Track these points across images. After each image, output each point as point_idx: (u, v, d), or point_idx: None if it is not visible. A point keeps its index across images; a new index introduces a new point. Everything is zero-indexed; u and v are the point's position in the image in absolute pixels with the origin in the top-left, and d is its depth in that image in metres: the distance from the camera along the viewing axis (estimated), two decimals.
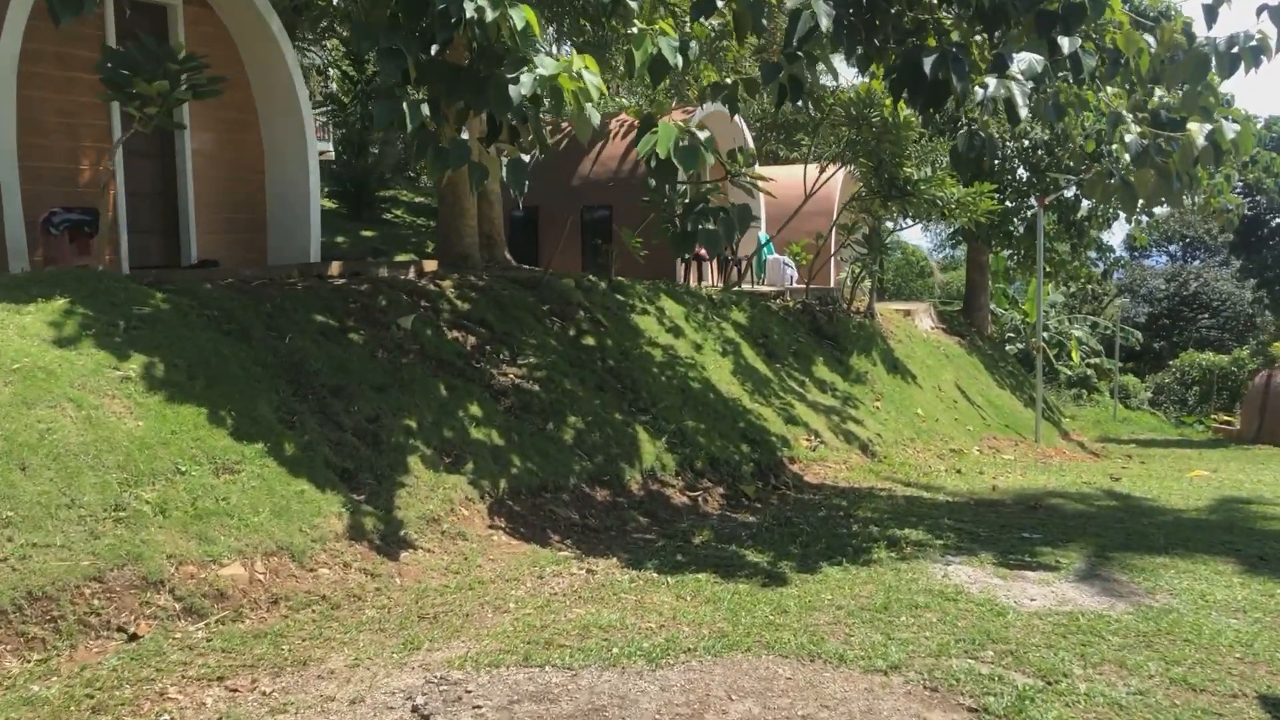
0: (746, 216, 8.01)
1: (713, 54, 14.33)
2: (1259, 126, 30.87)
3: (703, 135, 7.50)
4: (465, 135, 7.22)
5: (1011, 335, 34.88)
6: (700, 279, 17.66)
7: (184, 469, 6.35)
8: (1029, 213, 24.03)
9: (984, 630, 5.95)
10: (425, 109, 6.87)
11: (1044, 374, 33.54)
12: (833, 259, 21.22)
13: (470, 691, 4.84)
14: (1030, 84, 7.46)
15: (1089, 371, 36.83)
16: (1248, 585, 7.03)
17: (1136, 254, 50.78)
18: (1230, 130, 8.35)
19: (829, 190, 19.74)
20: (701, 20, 13.99)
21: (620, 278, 13.54)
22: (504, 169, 7.02)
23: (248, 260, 11.07)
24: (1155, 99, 8.95)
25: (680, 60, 7.57)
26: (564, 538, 7.84)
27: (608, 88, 21.21)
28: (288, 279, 9.12)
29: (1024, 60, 7.45)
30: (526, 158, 7.19)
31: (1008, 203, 23.94)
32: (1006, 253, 28.34)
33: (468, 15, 6.52)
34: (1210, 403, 36.82)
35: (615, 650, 5.42)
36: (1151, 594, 6.88)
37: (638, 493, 9.06)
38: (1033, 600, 6.64)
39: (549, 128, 19.05)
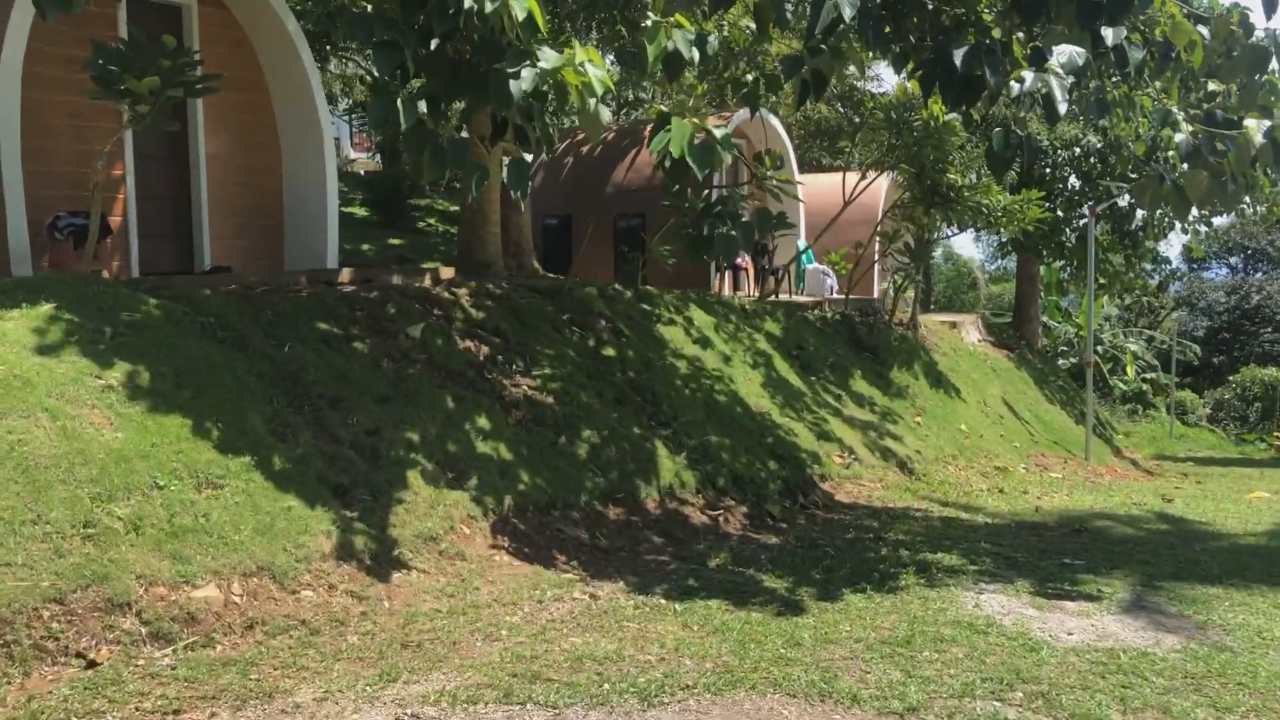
0: (767, 221, 7.56)
1: (751, 57, 13.91)
2: None
3: (719, 133, 7.07)
4: (464, 134, 6.84)
5: (1065, 349, 34.00)
6: (737, 289, 17.21)
7: (163, 483, 6.02)
8: (1081, 223, 23.27)
9: (1014, 668, 5.45)
10: (423, 105, 6.52)
11: (1098, 389, 32.71)
12: (876, 269, 20.67)
13: None
14: (1070, 78, 6.95)
15: (1145, 387, 35.80)
16: None
17: (1195, 266, 49.48)
18: None
19: (873, 198, 19.20)
20: (739, 24, 13.65)
21: (649, 287, 13.14)
22: (505, 170, 6.64)
23: (264, 267, 10.81)
24: (1209, 96, 8.37)
25: (696, 54, 7.16)
26: (571, 559, 7.43)
27: (641, 92, 20.85)
28: (293, 286, 8.81)
29: (1064, 53, 6.94)
30: (531, 158, 6.79)
31: (1059, 212, 23.23)
32: (1059, 264, 27.59)
33: (466, 5, 6.16)
34: (1273, 420, 35.61)
35: (606, 686, 5.00)
36: (1203, 629, 6.34)
37: (654, 511, 8.63)
38: (1070, 634, 6.13)
39: (579, 135, 18.74)
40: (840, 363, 14.60)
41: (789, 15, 7.41)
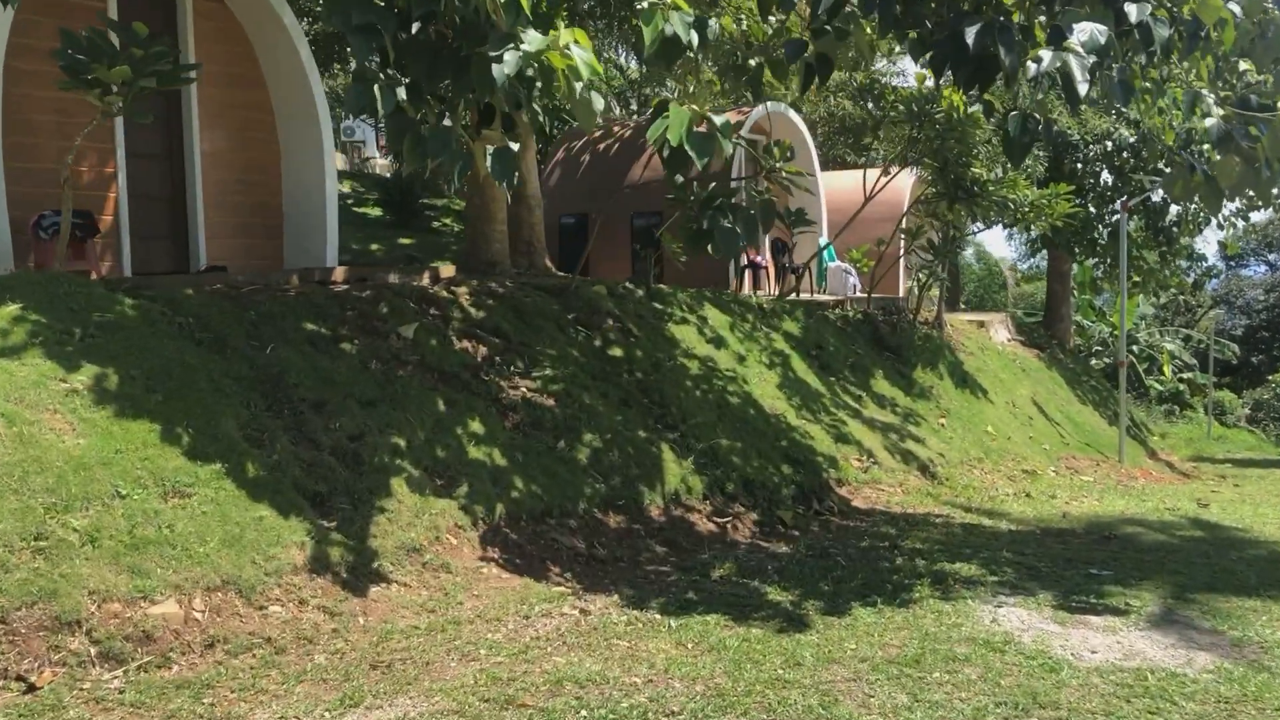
0: (770, 214, 7.15)
1: (767, 53, 13.44)
2: None
3: (719, 120, 6.68)
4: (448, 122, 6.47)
5: (1099, 349, 33.31)
6: (757, 287, 16.77)
7: (125, 492, 5.69)
8: (1114, 219, 22.64)
9: (1031, 691, 5.03)
10: (402, 92, 6.17)
11: (1134, 390, 31.99)
12: (901, 267, 20.16)
13: None
14: (1092, 58, 6.50)
15: (1182, 387, 35.01)
16: None
17: (1233, 264, 48.51)
18: None
19: (898, 194, 18.71)
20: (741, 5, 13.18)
21: (661, 285, 12.75)
22: (489, 159, 6.28)
23: (262, 266, 10.50)
24: (1243, 80, 7.88)
25: (695, 39, 6.77)
26: (565, 570, 7.05)
27: (660, 88, 20.45)
28: (283, 285, 8.49)
29: (1084, 31, 6.49)
30: (517, 147, 6.43)
31: (1091, 208, 22.61)
32: (1092, 262, 26.94)
33: None
34: None
35: (584, 713, 4.63)
36: (1238, 647, 5.88)
37: (658, 519, 8.24)
38: (1094, 653, 5.69)
39: (601, 130, 18.37)
40: (861, 363, 14.14)
41: None
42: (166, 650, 5.10)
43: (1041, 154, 19.30)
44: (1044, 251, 28.13)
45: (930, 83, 13.57)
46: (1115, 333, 31.83)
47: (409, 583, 6.31)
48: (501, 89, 6.02)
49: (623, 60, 23.03)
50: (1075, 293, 33.66)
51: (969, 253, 48.65)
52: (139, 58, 6.83)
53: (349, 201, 19.56)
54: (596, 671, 5.15)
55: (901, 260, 19.52)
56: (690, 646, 5.61)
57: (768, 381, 11.65)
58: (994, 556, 7.99)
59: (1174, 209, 23.22)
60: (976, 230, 18.47)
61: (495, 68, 5.98)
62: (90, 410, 6.07)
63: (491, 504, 7.24)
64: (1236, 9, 7.34)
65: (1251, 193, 7.57)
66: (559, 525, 7.53)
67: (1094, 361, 31.15)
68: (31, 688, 4.64)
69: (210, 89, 10.32)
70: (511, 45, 5.99)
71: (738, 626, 5.98)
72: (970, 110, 13.76)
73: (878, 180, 15.41)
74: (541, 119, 6.68)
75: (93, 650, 4.93)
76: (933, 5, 7.66)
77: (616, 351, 10.08)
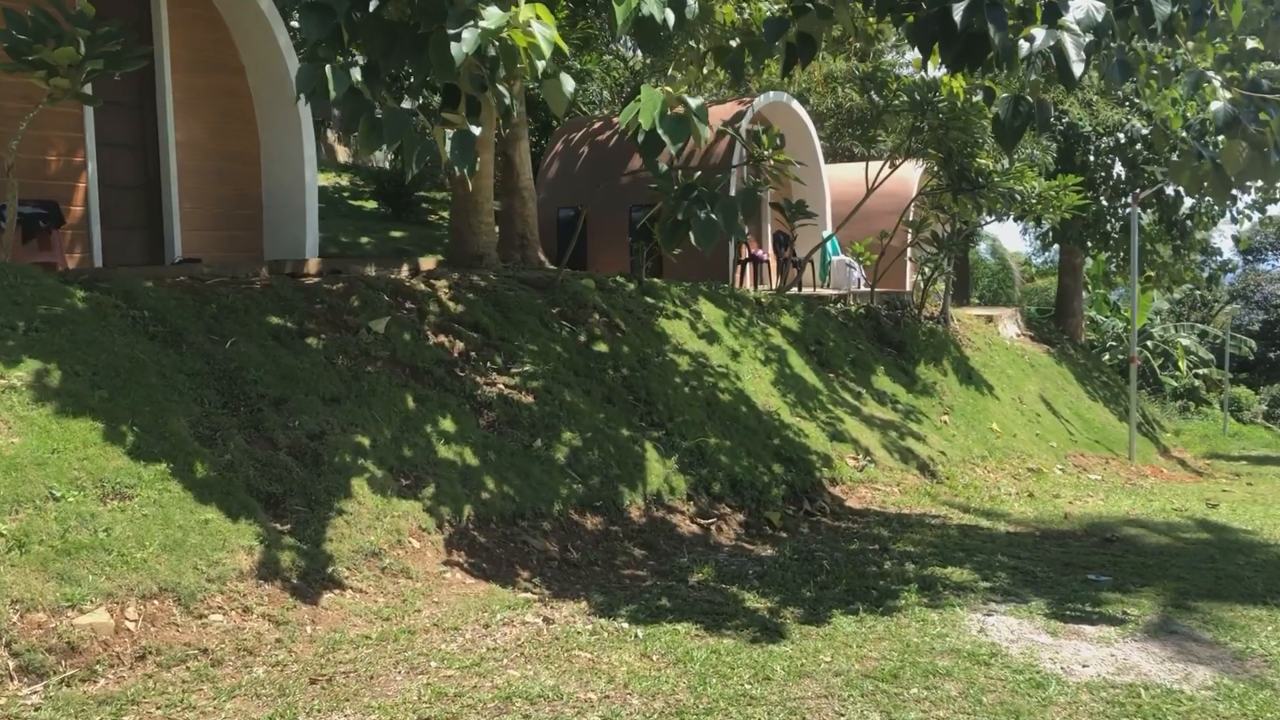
0: (752, 203, 6.80)
1: (750, 35, 12.98)
2: None
3: (695, 103, 6.34)
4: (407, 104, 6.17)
5: (1113, 344, 32.82)
6: (758, 282, 16.41)
7: (60, 494, 5.40)
8: (1126, 212, 22.20)
9: (1014, 710, 4.70)
10: (357, 73, 5.85)
11: (1149, 386, 31.49)
12: (908, 261, 19.77)
13: None
14: (1089, 36, 6.15)
15: (1197, 383, 34.48)
16: None
17: (1251, 258, 47.86)
18: None
19: (905, 187, 18.31)
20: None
21: (655, 279, 12.41)
22: (447, 143, 5.95)
23: (241, 259, 10.20)
24: (1256, 58, 7.49)
25: (671, 18, 6.43)
26: (534, 575, 6.73)
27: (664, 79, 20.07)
28: (250, 277, 8.19)
29: (1080, 7, 6.13)
30: (479, 131, 6.11)
31: (1103, 201, 22.18)
32: (1105, 256, 26.49)
33: None
34: None
35: None
36: (1241, 660, 5.53)
37: (638, 520, 7.92)
38: (1085, 666, 5.35)
39: (595, 124, 18.04)
40: (862, 358, 13.78)
41: None
42: (93, 663, 4.80)
43: (1049, 144, 18.85)
44: (1056, 246, 27.65)
45: (932, 70, 13.19)
46: (1129, 328, 31.34)
47: (365, 589, 6.01)
48: (460, 69, 5.70)
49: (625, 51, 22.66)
50: (1089, 287, 33.19)
51: (982, 247, 48.16)
52: (87, 39, 6.53)
53: (345, 194, 19.29)
54: (551, 686, 4.84)
55: (908, 254, 19.14)
56: (656, 659, 5.29)
57: (762, 378, 11.31)
58: (988, 560, 7.65)
59: (1188, 202, 22.78)
60: (985, 223, 18.05)
61: (454, 46, 5.66)
62: (28, 408, 5.78)
63: (459, 505, 6.93)
64: None
65: (1260, 181, 7.19)
66: (531, 528, 7.21)
67: (1106, 357, 30.69)
68: None
69: (186, 75, 10.03)
70: (471, 23, 5.68)
71: (709, 636, 5.66)
72: (975, 100, 13.37)
73: (880, 171, 15.03)
74: (509, 102, 6.34)
75: (11, 663, 4.63)
76: None
77: (602, 347, 9.75)
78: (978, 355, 16.96)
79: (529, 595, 6.33)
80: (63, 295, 6.74)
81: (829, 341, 13.49)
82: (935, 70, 15.96)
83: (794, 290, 15.38)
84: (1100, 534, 8.82)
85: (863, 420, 11.85)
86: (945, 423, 13.42)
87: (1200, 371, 35.00)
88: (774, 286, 15.90)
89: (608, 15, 15.66)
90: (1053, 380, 19.17)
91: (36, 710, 4.41)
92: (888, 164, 15.35)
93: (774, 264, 17.38)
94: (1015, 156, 15.41)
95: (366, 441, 6.96)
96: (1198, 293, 38.43)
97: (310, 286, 8.34)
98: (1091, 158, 21.95)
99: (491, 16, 5.64)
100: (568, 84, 6.35)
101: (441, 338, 8.57)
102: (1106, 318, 35.21)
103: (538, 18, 5.68)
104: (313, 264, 9.31)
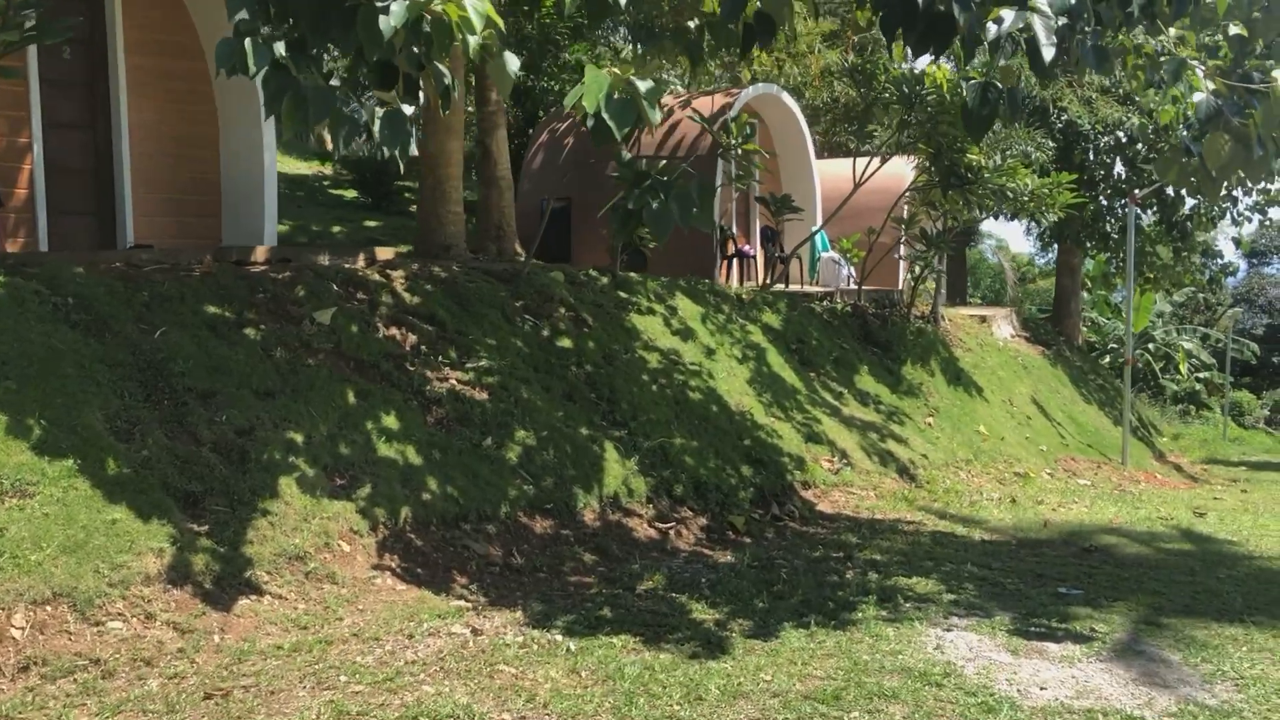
0: (710, 194, 6.45)
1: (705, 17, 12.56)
2: None
3: (644, 86, 5.99)
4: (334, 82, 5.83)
5: (1114, 346, 32.42)
6: (744, 278, 16.04)
7: None
8: (1125, 212, 21.80)
9: None
10: (280, 48, 5.51)
11: (1149, 389, 31.12)
12: (901, 260, 19.39)
13: None
14: (1061, 19, 5.79)
15: (1198, 387, 34.10)
16: None
17: (1254, 261, 47.40)
18: None
19: (898, 182, 17.92)
20: None
21: (632, 273, 12.06)
22: (378, 123, 5.61)
23: (197, 246, 9.85)
24: (1232, 43, 7.10)
25: None
26: (472, 582, 6.40)
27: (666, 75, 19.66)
28: (190, 265, 7.85)
29: None
30: (411, 111, 5.76)
31: (1102, 200, 21.78)
32: (1104, 257, 26.10)
33: None
34: None
35: None
36: (1209, 683, 5.18)
37: (592, 524, 7.58)
38: (1043, 689, 5.01)
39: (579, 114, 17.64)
40: (846, 358, 13.42)
41: None
42: None
43: (1045, 140, 18.46)
44: (1051, 244, 27.26)
45: (921, 63, 12.84)
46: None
47: (285, 595, 5.67)
48: (391, 44, 5.36)
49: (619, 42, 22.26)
50: (1090, 289, 32.79)
51: (984, 246, 47.74)
52: (1, 8, 6.21)
53: (325, 183, 18.97)
54: (463, 705, 4.50)
55: (901, 251, 18.76)
56: (584, 675, 4.95)
57: (737, 376, 10.95)
58: (956, 570, 7.30)
59: (1189, 203, 22.37)
60: (978, 220, 17.67)
61: (382, 19, 5.32)
62: None
63: (396, 507, 6.59)
64: None
65: (1244, 174, 6.83)
66: (475, 531, 6.88)
67: (1106, 360, 30.29)
68: None
69: (141, 57, 9.69)
70: None
71: (645, 651, 5.32)
72: (964, 94, 12.98)
73: (867, 166, 14.66)
74: (449, 81, 5.99)
75: None
76: None
77: (565, 342, 9.41)
78: (968, 356, 16.59)
79: (462, 603, 6.00)
80: None
81: (811, 340, 13.14)
82: (919, 62, 15.62)
83: (780, 286, 15.02)
84: (1079, 543, 8.47)
85: (842, 421, 11.50)
86: (930, 425, 13.06)
87: (1201, 375, 34.61)
88: (761, 283, 15.54)
89: None
90: (1046, 382, 18.80)
91: None
92: (877, 158, 14.97)
93: (762, 259, 17.02)
94: (1008, 153, 15.01)
95: (300, 438, 6.62)
96: (1201, 296, 37.97)
97: (254, 275, 8.01)
98: (1090, 156, 21.56)
99: None
100: (512, 63, 6.00)
101: (393, 330, 8.23)
102: (1108, 320, 34.82)
103: None
104: (261, 252, 8.96)
